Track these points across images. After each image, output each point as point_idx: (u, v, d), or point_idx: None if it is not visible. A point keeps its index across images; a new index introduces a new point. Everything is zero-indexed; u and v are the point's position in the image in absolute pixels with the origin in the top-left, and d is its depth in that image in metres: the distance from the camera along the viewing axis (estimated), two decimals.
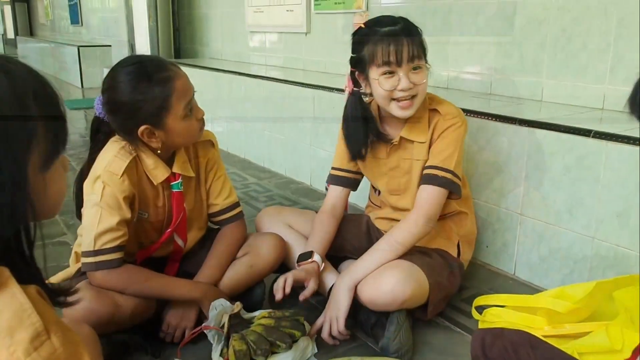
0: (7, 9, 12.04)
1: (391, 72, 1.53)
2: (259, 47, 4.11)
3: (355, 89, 1.65)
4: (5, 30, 12.42)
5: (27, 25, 12.00)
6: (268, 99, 3.29)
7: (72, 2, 8.46)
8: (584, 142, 1.67)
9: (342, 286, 1.54)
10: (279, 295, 1.55)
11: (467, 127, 1.67)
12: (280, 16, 3.71)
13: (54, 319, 0.71)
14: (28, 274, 0.77)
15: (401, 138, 1.67)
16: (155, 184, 1.55)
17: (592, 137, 1.64)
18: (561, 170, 1.75)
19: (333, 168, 1.85)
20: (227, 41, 4.49)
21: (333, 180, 1.84)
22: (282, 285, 1.55)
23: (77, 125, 4.52)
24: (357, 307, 1.56)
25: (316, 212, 1.87)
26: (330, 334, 1.52)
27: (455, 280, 1.69)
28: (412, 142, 1.66)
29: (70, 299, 0.86)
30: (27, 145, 0.73)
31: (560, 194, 1.76)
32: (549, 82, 2.17)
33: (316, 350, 1.49)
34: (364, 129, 1.67)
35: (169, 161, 1.58)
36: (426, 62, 1.57)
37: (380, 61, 1.52)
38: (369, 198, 1.96)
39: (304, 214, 1.94)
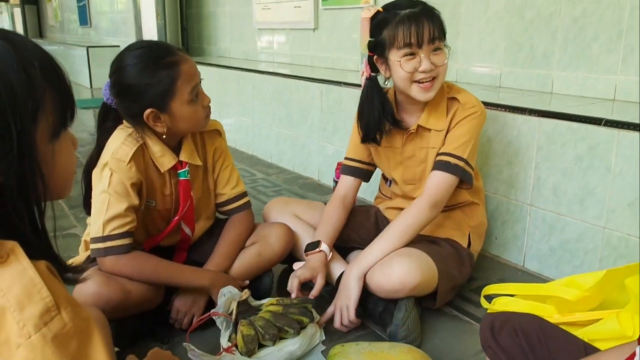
0: (17, 12, 12.15)
1: (412, 54, 1.53)
2: (267, 44, 4.12)
3: (372, 74, 1.65)
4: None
5: (37, 27, 12.10)
6: (275, 95, 3.29)
7: (80, 4, 8.52)
8: (595, 131, 1.66)
9: (351, 275, 1.54)
10: (294, 295, 1.56)
11: (485, 117, 1.67)
12: (288, 13, 3.72)
13: (64, 295, 0.71)
14: (39, 249, 0.77)
15: (418, 126, 1.66)
16: (162, 171, 1.55)
17: (604, 125, 1.63)
18: (572, 160, 1.74)
19: (346, 158, 1.85)
20: (235, 39, 4.51)
21: (345, 170, 1.84)
22: (289, 289, 1.58)
23: (87, 123, 4.55)
24: (365, 295, 1.56)
25: (324, 204, 1.87)
26: (342, 323, 1.52)
27: (464, 270, 1.68)
28: (430, 130, 1.65)
29: (79, 276, 0.86)
30: (34, 112, 0.73)
31: (571, 184, 1.75)
32: (559, 74, 2.16)
33: (324, 338, 1.48)
34: (379, 113, 1.66)
35: (176, 149, 1.58)
36: (445, 44, 1.57)
37: (401, 43, 1.52)
38: (379, 189, 1.96)
39: (312, 205, 1.94)
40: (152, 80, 1.42)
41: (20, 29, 12.03)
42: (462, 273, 1.67)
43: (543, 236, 1.86)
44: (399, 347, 1.30)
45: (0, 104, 0.69)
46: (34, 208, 0.77)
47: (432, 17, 1.52)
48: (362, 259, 1.56)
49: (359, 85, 1.73)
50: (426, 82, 1.55)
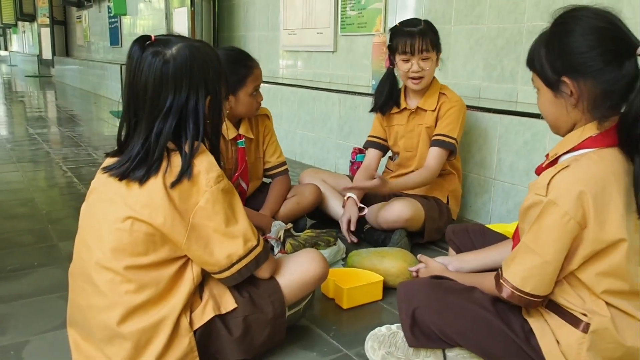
0: (45, 32, 13.12)
1: (407, 60, 2.31)
2: (291, 64, 4.94)
3: (390, 66, 2.45)
4: (41, 50, 13.49)
5: (64, 46, 13.09)
6: (300, 104, 4.08)
7: (112, 26, 9.44)
8: (536, 123, 2.43)
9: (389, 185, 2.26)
10: (354, 239, 2.33)
11: (465, 108, 2.45)
12: (311, 37, 4.54)
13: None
14: (213, 149, 1.45)
15: (417, 107, 2.44)
16: (227, 139, 2.29)
17: (541, 118, 2.39)
18: (522, 144, 2.50)
19: (370, 136, 2.61)
20: (263, 59, 5.32)
21: (369, 144, 2.61)
22: (345, 228, 2.33)
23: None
24: (372, 230, 2.31)
25: (346, 176, 2.63)
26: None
27: (443, 217, 2.42)
28: (425, 111, 2.42)
29: None
30: (222, 85, 1.41)
31: (521, 161, 2.51)
32: (522, 87, 2.93)
33: (344, 255, 2.22)
34: (387, 94, 2.46)
35: (236, 125, 2.33)
36: (438, 52, 2.33)
37: (400, 50, 2.32)
38: (386, 166, 2.72)
39: (335, 175, 2.72)
40: (233, 72, 2.15)
41: (48, 48, 13.00)
42: (442, 219, 2.41)
43: (503, 201, 2.61)
44: (395, 249, 2.05)
45: (216, 75, 1.37)
46: (220, 129, 1.46)
47: (424, 34, 2.29)
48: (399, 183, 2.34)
49: (372, 95, 2.52)
50: (415, 78, 2.33)
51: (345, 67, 4.24)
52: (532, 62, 1.30)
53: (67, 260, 2.23)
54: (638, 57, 1.17)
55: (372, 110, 2.56)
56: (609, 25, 1.20)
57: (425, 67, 2.33)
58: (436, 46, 2.35)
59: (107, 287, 1.27)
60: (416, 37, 2.29)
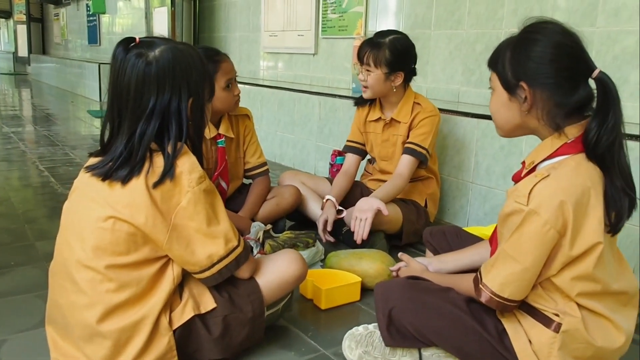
0: (21, 28, 12.94)
1: (360, 65, 2.40)
2: (272, 65, 4.95)
3: None
4: (17, 48, 13.30)
5: (41, 44, 12.92)
6: (281, 106, 4.10)
7: (91, 24, 9.36)
8: None
9: (370, 201, 2.23)
10: (330, 238, 2.37)
11: (440, 118, 2.48)
12: (292, 39, 4.56)
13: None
14: (195, 150, 1.46)
15: (391, 119, 2.46)
16: (207, 138, 2.30)
17: None
18: (498, 148, 2.55)
19: (348, 140, 2.65)
20: (244, 60, 5.33)
21: (348, 149, 2.64)
22: (322, 228, 2.36)
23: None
24: (349, 233, 2.33)
25: (325, 178, 2.66)
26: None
27: (421, 220, 2.46)
28: (399, 122, 2.46)
29: None
30: (203, 84, 1.43)
31: (498, 165, 2.56)
32: None
33: (323, 257, 2.24)
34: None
35: (216, 125, 2.35)
36: (391, 71, 2.35)
37: (357, 55, 2.40)
38: (365, 169, 2.75)
39: (314, 176, 2.74)
40: None
41: (24, 45, 12.82)
42: (419, 222, 2.45)
43: (480, 204, 2.66)
44: (373, 251, 2.08)
45: (200, 77, 1.39)
46: (203, 131, 1.48)
47: (374, 48, 2.34)
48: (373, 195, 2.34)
49: (352, 98, 2.55)
50: (363, 86, 2.41)
51: (326, 69, 4.27)
52: (495, 63, 1.34)
53: (44, 260, 2.25)
54: (594, 81, 1.23)
55: (355, 103, 2.63)
56: (573, 44, 1.25)
57: (364, 79, 2.39)
58: (386, 66, 2.34)
59: (87, 285, 1.28)
60: (366, 47, 2.36)
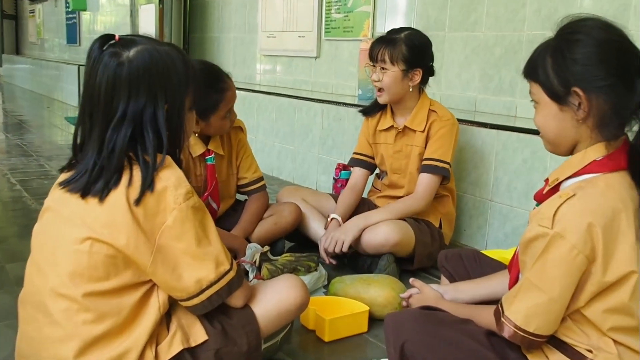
0: None
1: (372, 66, 2.38)
2: (270, 69, 4.96)
3: None
4: None
5: (14, 43, 12.98)
6: (279, 114, 4.10)
7: (70, 22, 9.40)
8: (536, 139, 2.46)
9: (354, 222, 2.29)
10: (332, 261, 2.34)
11: (458, 126, 2.48)
12: (292, 41, 4.58)
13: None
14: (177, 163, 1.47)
15: (405, 127, 2.46)
16: (194, 156, 2.30)
17: None
18: (520, 163, 2.55)
19: (355, 153, 2.64)
20: (239, 64, 5.34)
21: (355, 162, 2.63)
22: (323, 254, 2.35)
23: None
24: (356, 255, 2.32)
25: (329, 194, 2.65)
26: (326, 252, 2.29)
27: (435, 243, 2.45)
28: (414, 131, 2.45)
29: None
30: (187, 94, 1.41)
31: (520, 181, 2.56)
32: (521, 101, 2.98)
33: (327, 282, 2.23)
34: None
35: (205, 141, 2.34)
36: (409, 69, 2.36)
37: (369, 54, 2.38)
38: (372, 185, 2.74)
39: (316, 192, 2.73)
40: (204, 97, 2.12)
41: None
42: (434, 244, 2.43)
43: (500, 225, 2.65)
44: (382, 276, 2.07)
45: (180, 82, 1.38)
46: (180, 142, 1.47)
47: (390, 44, 2.34)
48: (365, 217, 2.33)
49: (358, 105, 2.55)
50: (377, 89, 2.39)
51: (329, 74, 4.28)
52: (534, 72, 1.32)
53: (15, 285, 2.22)
54: None
55: (361, 112, 2.63)
56: (619, 39, 1.24)
57: (379, 79, 2.38)
58: (404, 62, 2.35)
59: (62, 316, 1.25)
60: (380, 44, 2.36)
